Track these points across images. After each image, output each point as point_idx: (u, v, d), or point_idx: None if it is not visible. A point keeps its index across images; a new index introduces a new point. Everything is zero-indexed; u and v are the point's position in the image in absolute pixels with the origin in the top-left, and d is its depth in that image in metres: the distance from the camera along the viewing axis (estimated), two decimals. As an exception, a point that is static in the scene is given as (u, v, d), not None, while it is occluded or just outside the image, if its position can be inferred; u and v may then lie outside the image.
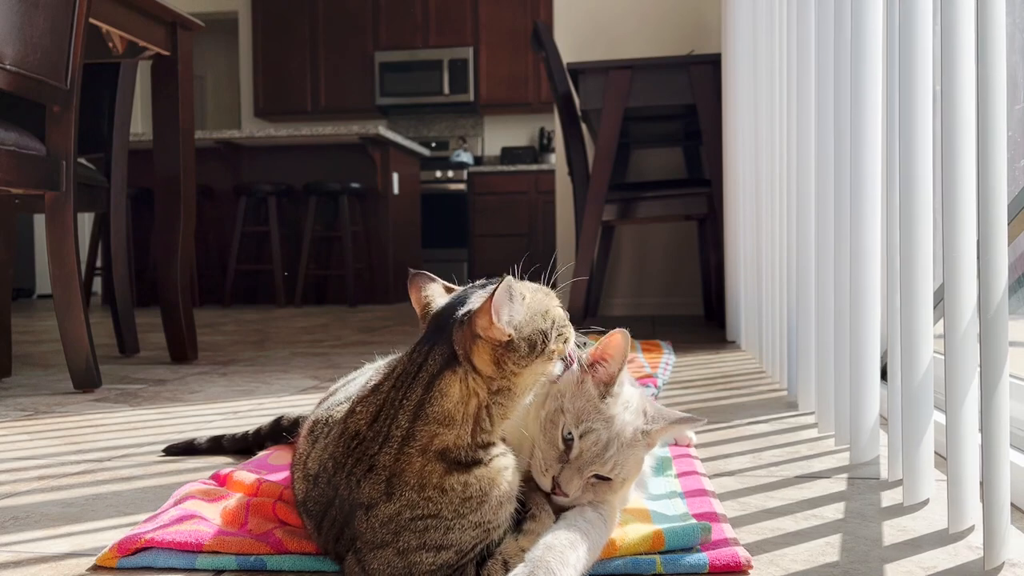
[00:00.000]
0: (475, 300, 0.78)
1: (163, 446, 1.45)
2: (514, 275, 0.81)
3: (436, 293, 0.86)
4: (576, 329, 0.87)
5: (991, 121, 0.82)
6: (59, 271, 2.05)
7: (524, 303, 0.77)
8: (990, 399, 0.82)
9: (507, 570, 0.76)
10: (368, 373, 0.94)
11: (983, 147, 0.82)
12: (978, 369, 0.96)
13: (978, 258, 0.85)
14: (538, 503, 0.85)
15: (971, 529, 0.94)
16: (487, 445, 0.77)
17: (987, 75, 0.82)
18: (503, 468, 0.77)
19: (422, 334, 0.81)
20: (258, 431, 1.37)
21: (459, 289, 0.85)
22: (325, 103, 7.63)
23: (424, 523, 0.73)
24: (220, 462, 1.34)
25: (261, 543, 0.88)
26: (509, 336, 0.75)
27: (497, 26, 7.35)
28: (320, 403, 0.97)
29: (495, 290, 0.73)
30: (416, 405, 0.75)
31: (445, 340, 0.77)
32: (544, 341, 0.77)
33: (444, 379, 0.75)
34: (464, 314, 0.76)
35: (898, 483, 1.15)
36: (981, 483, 1.05)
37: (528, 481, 0.87)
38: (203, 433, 1.47)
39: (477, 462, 0.76)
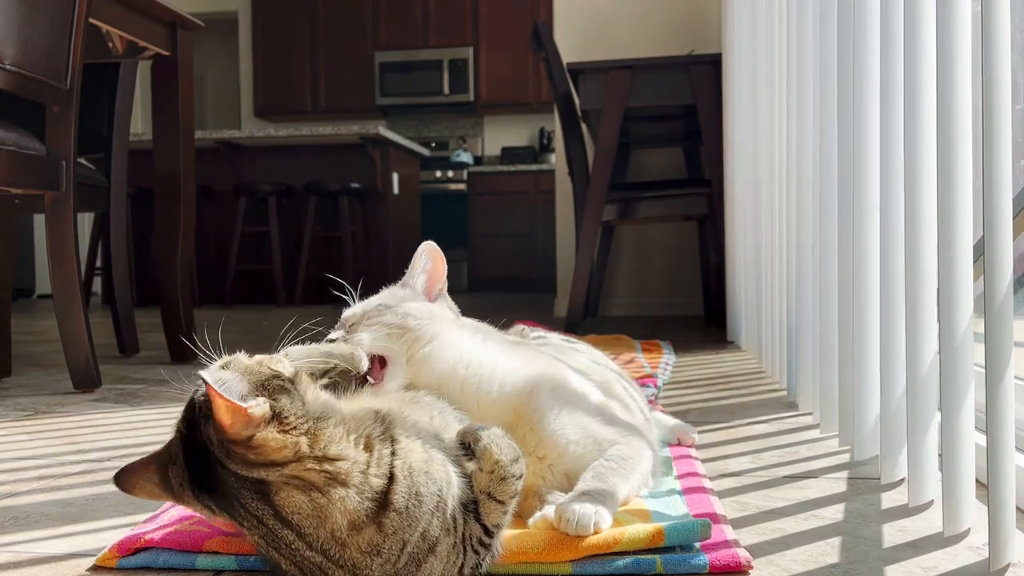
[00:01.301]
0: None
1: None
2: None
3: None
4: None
5: (996, 121, 0.82)
6: (59, 271, 2.05)
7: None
8: (994, 401, 0.82)
9: (492, 497, 0.77)
10: None
11: (988, 147, 0.82)
12: (977, 369, 0.96)
13: (978, 258, 0.85)
14: (477, 426, 0.84)
15: (968, 532, 0.94)
16: (370, 464, 0.73)
17: (992, 74, 0.82)
18: (404, 465, 0.74)
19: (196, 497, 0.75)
20: None
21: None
22: (325, 103, 7.63)
23: (407, 555, 0.73)
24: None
25: (261, 543, 0.88)
26: (263, 414, 0.70)
27: (497, 26, 7.35)
28: None
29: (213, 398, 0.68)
30: (297, 541, 0.72)
31: (232, 484, 0.71)
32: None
33: (281, 498, 0.71)
34: (217, 444, 0.71)
35: (897, 483, 1.15)
36: (978, 482, 1.06)
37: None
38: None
39: (382, 494, 0.72)
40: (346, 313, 1.02)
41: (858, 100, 1.28)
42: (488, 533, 0.77)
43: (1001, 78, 0.82)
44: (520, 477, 0.79)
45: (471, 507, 0.77)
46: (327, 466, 0.71)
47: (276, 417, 0.70)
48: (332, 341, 0.97)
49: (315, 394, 0.75)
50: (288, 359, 0.79)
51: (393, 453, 0.74)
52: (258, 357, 0.75)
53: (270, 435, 0.70)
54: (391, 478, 0.73)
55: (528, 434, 0.98)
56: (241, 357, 0.75)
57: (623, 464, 0.98)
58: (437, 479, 0.74)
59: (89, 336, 2.08)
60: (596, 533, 0.84)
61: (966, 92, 0.93)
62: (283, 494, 0.71)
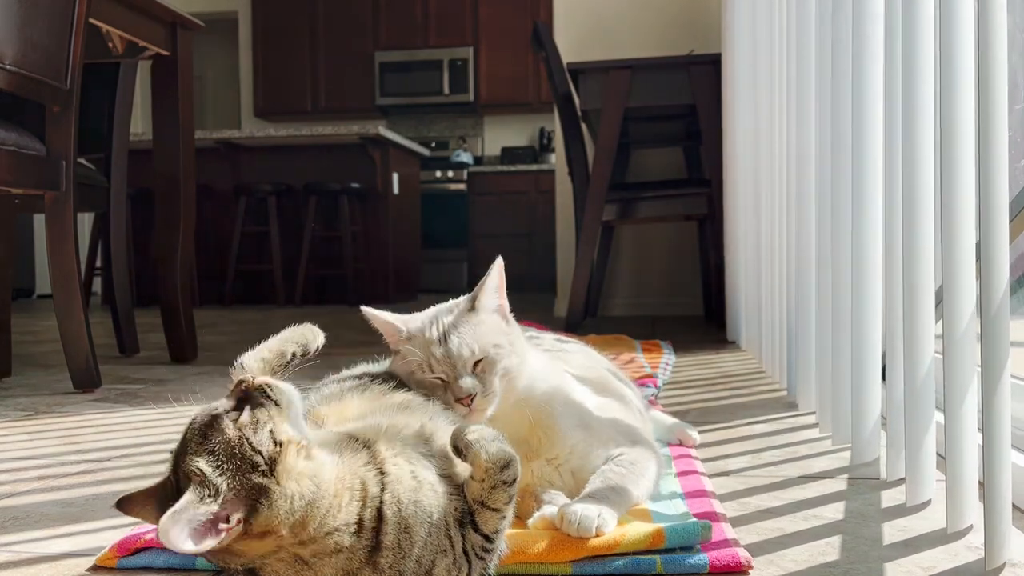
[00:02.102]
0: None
1: (163, 446, 1.45)
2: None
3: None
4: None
5: (992, 121, 0.82)
6: (59, 271, 2.05)
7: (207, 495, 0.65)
8: (991, 399, 0.82)
9: (486, 506, 0.75)
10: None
11: (984, 147, 0.82)
12: (978, 369, 0.96)
13: (979, 258, 0.85)
14: (466, 430, 0.82)
15: (970, 528, 0.94)
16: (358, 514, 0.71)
17: (988, 75, 0.82)
18: (393, 500, 0.73)
19: None
20: None
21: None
22: (325, 103, 7.63)
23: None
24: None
25: (261, 543, 0.88)
26: (237, 533, 0.66)
27: (497, 26, 7.35)
28: None
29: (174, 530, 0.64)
30: None
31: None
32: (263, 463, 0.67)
33: (267, 573, 0.70)
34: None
35: (897, 483, 1.15)
36: (981, 483, 1.06)
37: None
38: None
39: (374, 536, 0.71)
40: (461, 351, 0.95)
41: (858, 99, 1.28)
42: (489, 540, 0.77)
43: (996, 81, 0.82)
44: (513, 483, 0.77)
45: (468, 518, 0.76)
46: (314, 546, 0.70)
47: (253, 526, 0.67)
48: (470, 394, 0.93)
49: (304, 464, 0.70)
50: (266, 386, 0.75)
51: (383, 488, 0.73)
52: (245, 417, 0.69)
53: (249, 542, 0.68)
54: (380, 518, 0.72)
55: (542, 438, 1.00)
56: (228, 430, 0.68)
57: (632, 468, 0.99)
58: (426, 506, 0.74)
59: (89, 336, 2.08)
60: (598, 536, 0.84)
61: (968, 92, 0.93)
62: (269, 569, 0.70)
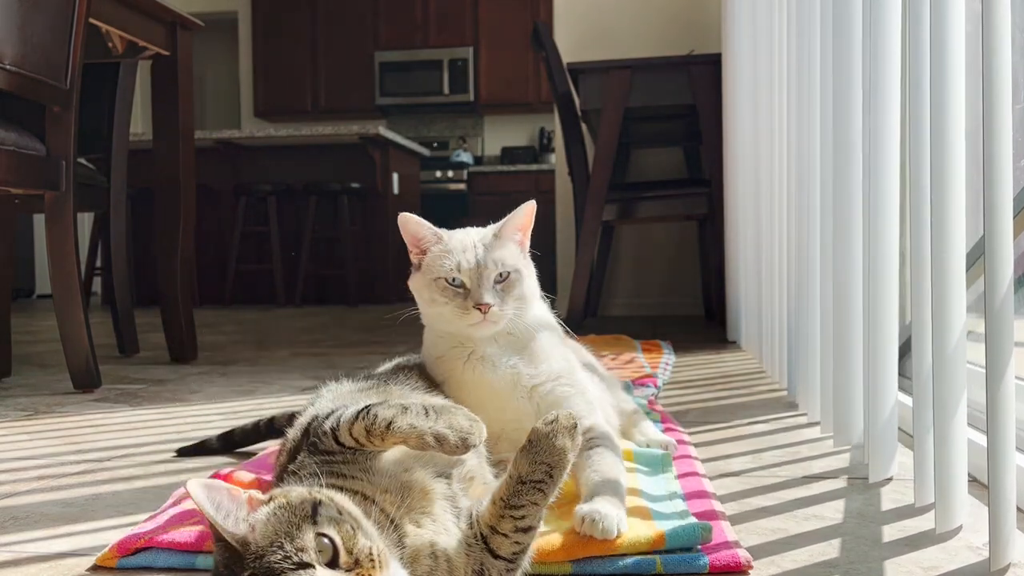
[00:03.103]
0: None
1: (163, 446, 1.45)
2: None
3: None
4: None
5: (996, 121, 0.82)
6: (59, 271, 2.05)
7: None
8: (995, 400, 0.82)
9: (495, 530, 0.75)
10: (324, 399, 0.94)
11: (988, 146, 0.82)
12: (971, 368, 0.96)
13: (983, 256, 0.85)
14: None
15: (960, 528, 0.94)
16: None
17: (992, 74, 0.82)
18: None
19: None
20: (271, 420, 1.37)
21: None
22: (325, 103, 7.63)
23: None
24: (221, 462, 1.34)
25: (261, 543, 0.87)
26: None
27: (497, 26, 7.35)
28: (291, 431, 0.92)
29: None
30: None
31: None
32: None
33: None
34: None
35: (887, 482, 1.15)
36: (979, 482, 1.06)
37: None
38: (203, 433, 1.47)
39: None
40: (487, 262, 1.04)
41: (858, 99, 1.28)
42: (511, 561, 0.76)
43: (1001, 78, 0.82)
44: (522, 518, 0.75)
45: (485, 553, 0.76)
46: None
47: None
48: (488, 304, 1.00)
49: None
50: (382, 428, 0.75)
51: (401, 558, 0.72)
52: None
53: None
54: None
55: (528, 360, 1.09)
56: None
57: (607, 454, 1.01)
58: None
59: (89, 336, 2.08)
60: (619, 538, 0.84)
61: (959, 96, 0.93)
62: None
